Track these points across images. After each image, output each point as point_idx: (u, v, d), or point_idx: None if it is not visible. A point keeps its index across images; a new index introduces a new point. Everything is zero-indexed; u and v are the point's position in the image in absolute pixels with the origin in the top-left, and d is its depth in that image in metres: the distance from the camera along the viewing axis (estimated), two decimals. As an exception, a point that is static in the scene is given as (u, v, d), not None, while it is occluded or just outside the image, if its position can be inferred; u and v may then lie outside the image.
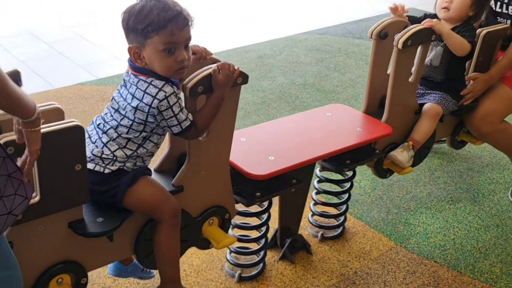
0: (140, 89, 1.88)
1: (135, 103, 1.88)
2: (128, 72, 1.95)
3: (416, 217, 3.04)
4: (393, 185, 3.32)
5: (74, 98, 4.32)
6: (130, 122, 1.91)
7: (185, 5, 1.94)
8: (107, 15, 6.61)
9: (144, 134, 1.95)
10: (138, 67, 1.91)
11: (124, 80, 1.97)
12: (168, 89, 1.87)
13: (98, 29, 6.11)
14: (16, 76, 1.81)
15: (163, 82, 1.88)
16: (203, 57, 2.12)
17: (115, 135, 1.94)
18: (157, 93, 1.86)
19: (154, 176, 2.16)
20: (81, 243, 1.93)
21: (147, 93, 1.87)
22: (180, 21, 1.84)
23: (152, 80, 1.88)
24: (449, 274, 2.64)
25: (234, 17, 6.82)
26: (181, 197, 2.09)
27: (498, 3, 3.00)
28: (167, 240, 2.02)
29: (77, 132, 1.73)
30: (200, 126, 1.97)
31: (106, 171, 1.94)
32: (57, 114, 1.79)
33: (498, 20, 2.99)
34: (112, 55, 5.36)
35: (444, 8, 2.70)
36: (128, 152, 1.96)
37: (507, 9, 2.98)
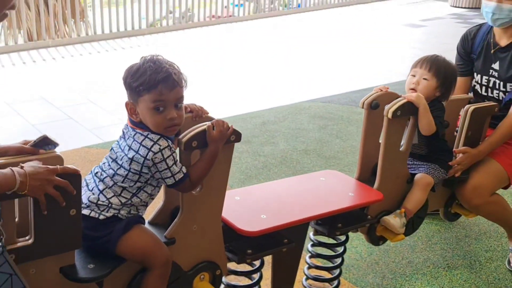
0: (136, 141, 2.00)
1: (131, 154, 1.99)
2: (127, 125, 2.08)
3: (412, 283, 3.05)
4: (390, 250, 3.34)
5: (80, 161, 4.43)
6: (126, 172, 2.02)
7: (183, 69, 2.07)
8: (116, 81, 6.82)
9: (138, 184, 2.05)
10: (135, 121, 2.04)
11: (123, 132, 2.09)
12: (163, 142, 1.98)
13: (107, 95, 6.30)
14: (46, 140, 1.93)
15: (159, 136, 2.00)
16: (199, 115, 2.24)
17: (111, 183, 2.03)
18: (152, 146, 1.97)
19: (148, 228, 2.21)
20: None
21: (143, 146, 1.98)
22: (169, 83, 1.96)
23: (148, 134, 2.00)
24: None
25: (241, 85, 7.01)
26: (173, 249, 2.14)
27: (483, 88, 3.13)
28: (153, 287, 2.07)
29: (74, 178, 1.81)
30: (194, 179, 2.05)
31: (101, 217, 2.02)
32: (57, 160, 1.88)
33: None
34: (119, 120, 5.51)
35: (411, 89, 2.79)
36: (123, 200, 2.04)
37: (492, 93, 3.10)
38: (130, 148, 2.01)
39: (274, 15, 11.82)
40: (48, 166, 1.77)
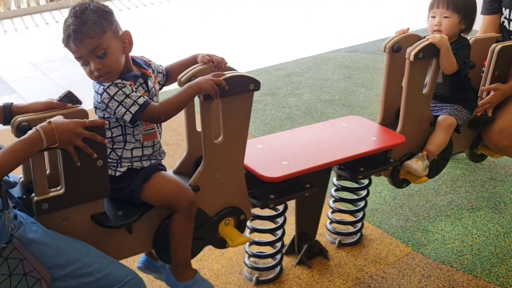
0: (94, 89, 2.05)
1: (94, 102, 2.05)
2: None
3: (435, 225, 3.08)
4: (414, 194, 3.36)
5: (107, 117, 4.50)
6: None
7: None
8: (139, 39, 6.84)
9: (116, 130, 2.07)
10: None
11: None
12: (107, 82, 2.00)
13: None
14: (70, 95, 1.98)
15: None
16: (219, 66, 2.23)
17: None
18: (98, 88, 2.01)
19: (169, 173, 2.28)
20: (102, 236, 2.06)
21: (95, 91, 2.03)
22: (73, 40, 1.94)
23: None
24: (465, 278, 2.67)
25: (264, 37, 6.98)
26: (198, 196, 2.20)
27: (511, 23, 3.06)
28: (181, 228, 2.14)
29: (100, 130, 1.88)
30: (161, 112, 2.01)
31: (117, 173, 2.10)
32: (82, 114, 1.93)
33: None
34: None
35: (436, 31, 2.76)
36: (119, 153, 2.09)
37: None
38: (94, 98, 2.06)
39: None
40: (76, 119, 1.84)
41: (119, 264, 1.95)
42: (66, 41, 1.96)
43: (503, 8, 3.13)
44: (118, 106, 1.97)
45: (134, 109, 1.97)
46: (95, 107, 2.06)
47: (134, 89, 2.01)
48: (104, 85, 1.98)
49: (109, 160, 2.08)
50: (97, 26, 1.96)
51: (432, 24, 2.78)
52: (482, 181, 3.51)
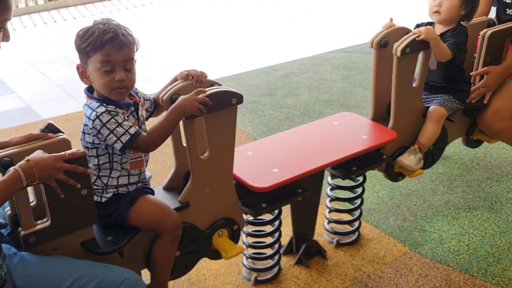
0: (84, 114, 2.01)
1: (83, 128, 2.02)
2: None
3: (432, 224, 3.10)
4: (411, 194, 3.38)
5: (106, 117, 4.50)
6: (88, 150, 2.03)
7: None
8: (140, 38, 6.85)
9: (103, 158, 2.05)
10: (87, 89, 2.04)
11: None
12: (100, 109, 1.95)
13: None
14: (51, 127, 1.95)
15: (98, 104, 1.97)
16: (199, 80, 2.17)
17: (88, 165, 2.04)
18: (90, 114, 1.96)
19: (163, 194, 2.27)
20: (94, 261, 2.00)
21: (86, 116, 1.99)
22: (116, 43, 1.93)
23: (90, 103, 2.00)
24: (461, 277, 2.69)
25: (263, 37, 6.99)
26: (188, 212, 2.19)
27: None
28: (164, 252, 2.13)
29: (81, 160, 1.85)
30: (152, 137, 2.01)
31: (103, 200, 2.08)
32: (64, 144, 1.90)
33: (507, 12, 3.03)
34: (143, 76, 5.57)
35: (435, 12, 2.75)
36: (105, 180, 2.07)
37: None
38: (84, 123, 2.03)
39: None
40: (55, 154, 1.80)
41: (112, 267, 1.94)
42: (104, 42, 1.93)
43: None
44: (109, 134, 1.95)
45: (125, 138, 1.95)
46: (83, 132, 2.02)
47: (126, 118, 1.98)
48: (97, 111, 1.95)
49: (94, 187, 2.06)
50: (135, 44, 2.01)
51: (432, 5, 2.76)
52: (478, 181, 3.52)
